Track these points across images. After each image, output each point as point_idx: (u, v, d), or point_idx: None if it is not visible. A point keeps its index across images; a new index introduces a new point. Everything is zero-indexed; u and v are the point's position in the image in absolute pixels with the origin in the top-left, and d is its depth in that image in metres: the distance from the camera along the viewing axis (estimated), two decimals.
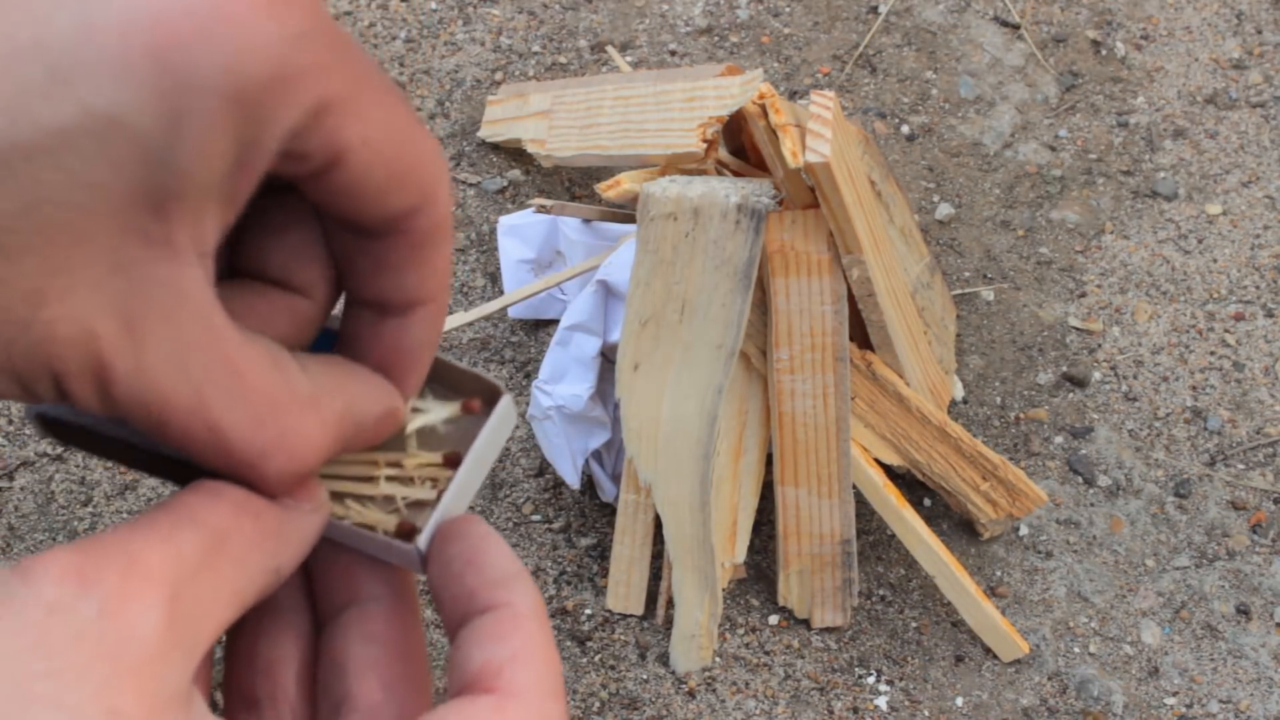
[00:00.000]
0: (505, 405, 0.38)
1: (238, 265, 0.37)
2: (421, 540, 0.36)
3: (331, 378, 0.35)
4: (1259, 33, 0.93)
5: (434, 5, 0.92)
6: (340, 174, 0.36)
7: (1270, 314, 0.83)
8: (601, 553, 0.74)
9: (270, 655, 0.36)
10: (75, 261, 0.31)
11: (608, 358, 0.70)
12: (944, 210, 0.86)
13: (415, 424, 0.38)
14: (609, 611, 0.72)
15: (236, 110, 0.31)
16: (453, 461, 0.38)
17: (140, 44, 0.29)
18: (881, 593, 0.74)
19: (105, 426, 0.36)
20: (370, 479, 0.38)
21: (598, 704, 0.70)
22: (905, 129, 0.89)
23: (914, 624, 0.73)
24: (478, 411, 0.40)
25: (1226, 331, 0.82)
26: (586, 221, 0.75)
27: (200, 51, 0.29)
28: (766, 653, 0.72)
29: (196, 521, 0.31)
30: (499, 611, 0.34)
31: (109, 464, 0.75)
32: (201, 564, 0.30)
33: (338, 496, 0.37)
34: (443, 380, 0.39)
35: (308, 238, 0.37)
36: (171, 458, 0.36)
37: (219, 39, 0.29)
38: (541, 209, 0.74)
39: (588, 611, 0.72)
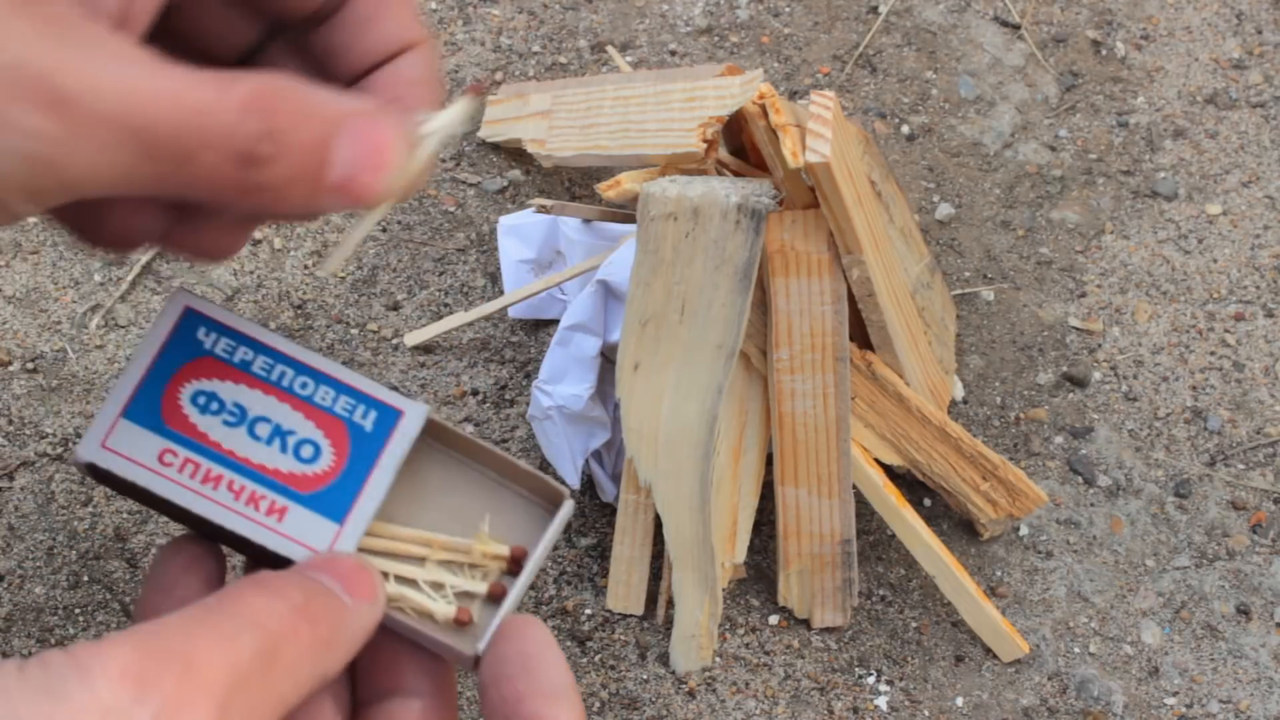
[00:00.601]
0: (567, 510, 0.38)
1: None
2: (482, 642, 0.36)
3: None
4: (1259, 33, 0.93)
5: (434, 5, 0.92)
6: None
7: (1270, 314, 0.83)
8: (601, 553, 0.74)
9: None
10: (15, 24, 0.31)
11: (608, 358, 0.70)
12: (944, 210, 0.86)
13: (486, 522, 0.39)
14: (609, 611, 0.72)
15: None
16: (519, 557, 0.38)
17: None
18: (881, 593, 0.74)
19: (150, 480, 0.37)
20: (419, 559, 0.39)
21: (598, 704, 0.70)
22: (905, 129, 0.89)
23: (914, 624, 0.73)
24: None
25: (1226, 331, 0.82)
26: (586, 221, 0.75)
27: None
28: (766, 653, 0.72)
29: (255, 625, 0.31)
30: None
31: None
32: (255, 672, 0.30)
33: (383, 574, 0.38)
34: (509, 477, 0.39)
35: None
36: (207, 520, 0.37)
37: None
38: (541, 209, 0.74)
39: (588, 611, 0.72)
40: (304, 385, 0.39)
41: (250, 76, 0.34)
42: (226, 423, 0.38)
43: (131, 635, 0.29)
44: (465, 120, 0.37)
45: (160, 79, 0.33)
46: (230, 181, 0.34)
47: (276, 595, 0.32)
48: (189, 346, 0.38)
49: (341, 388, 0.39)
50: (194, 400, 0.38)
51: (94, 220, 0.37)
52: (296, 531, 0.37)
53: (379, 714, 0.38)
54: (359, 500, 0.38)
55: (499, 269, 0.82)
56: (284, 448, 0.38)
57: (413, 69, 0.40)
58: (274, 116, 0.34)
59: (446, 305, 0.81)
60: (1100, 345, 0.82)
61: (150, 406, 0.37)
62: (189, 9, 0.40)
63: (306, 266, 0.82)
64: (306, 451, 0.38)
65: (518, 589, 0.38)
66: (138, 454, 0.37)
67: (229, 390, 0.38)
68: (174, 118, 0.33)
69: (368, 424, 0.39)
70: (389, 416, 0.39)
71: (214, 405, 0.38)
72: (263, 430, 0.38)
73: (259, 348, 0.39)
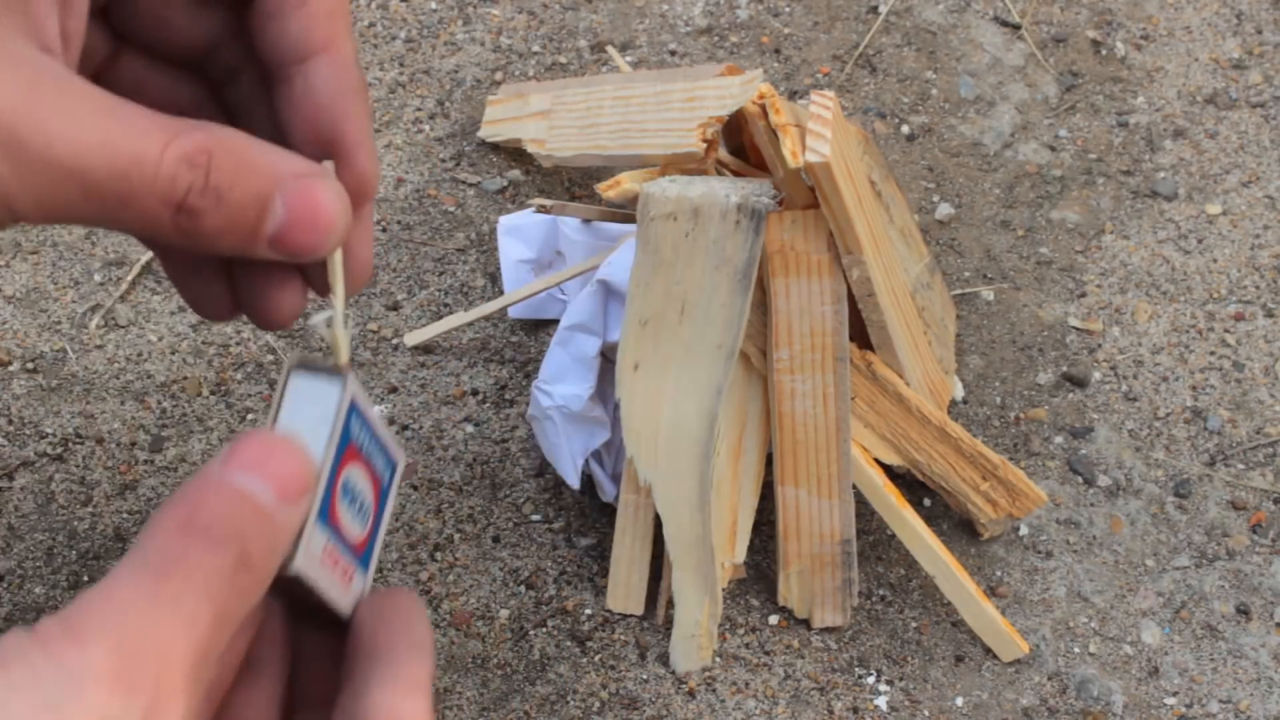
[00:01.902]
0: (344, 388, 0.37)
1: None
2: (296, 558, 0.35)
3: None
4: (1259, 33, 0.93)
5: (434, 5, 0.92)
6: None
7: (1270, 314, 0.83)
8: (601, 553, 0.74)
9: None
10: None
11: (608, 358, 0.70)
12: (944, 210, 0.86)
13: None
14: (609, 611, 0.72)
15: None
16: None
17: None
18: (881, 593, 0.74)
19: (328, 585, 0.37)
20: None
21: (598, 704, 0.70)
22: (905, 129, 0.89)
23: (914, 624, 0.73)
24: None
25: (1226, 331, 0.82)
26: (586, 221, 0.75)
27: None
28: (766, 653, 0.72)
29: (208, 595, 0.32)
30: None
31: (109, 464, 0.75)
32: (212, 641, 0.32)
33: None
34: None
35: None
36: (330, 605, 0.37)
37: None
38: (541, 209, 0.74)
39: (588, 611, 0.72)
40: (370, 450, 0.39)
41: (197, 130, 0.37)
42: (347, 504, 0.38)
43: (109, 622, 0.30)
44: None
45: (107, 128, 0.36)
46: (166, 226, 0.37)
47: (217, 547, 0.32)
48: (345, 435, 0.38)
49: (381, 447, 0.40)
50: (346, 493, 0.38)
51: (192, 296, 0.43)
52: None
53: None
54: (375, 548, 0.39)
55: (499, 269, 0.82)
56: (360, 517, 0.39)
57: (338, 77, 0.42)
58: (213, 172, 0.37)
59: (446, 305, 0.81)
60: (1100, 345, 0.82)
61: (324, 505, 0.37)
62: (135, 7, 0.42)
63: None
64: (366, 516, 0.39)
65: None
66: (320, 559, 0.37)
67: (354, 473, 0.38)
68: (114, 167, 0.36)
69: (384, 478, 0.40)
70: (391, 467, 0.40)
71: (347, 493, 0.38)
72: (356, 505, 0.38)
73: (364, 423, 0.39)
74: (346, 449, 0.37)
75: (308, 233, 0.40)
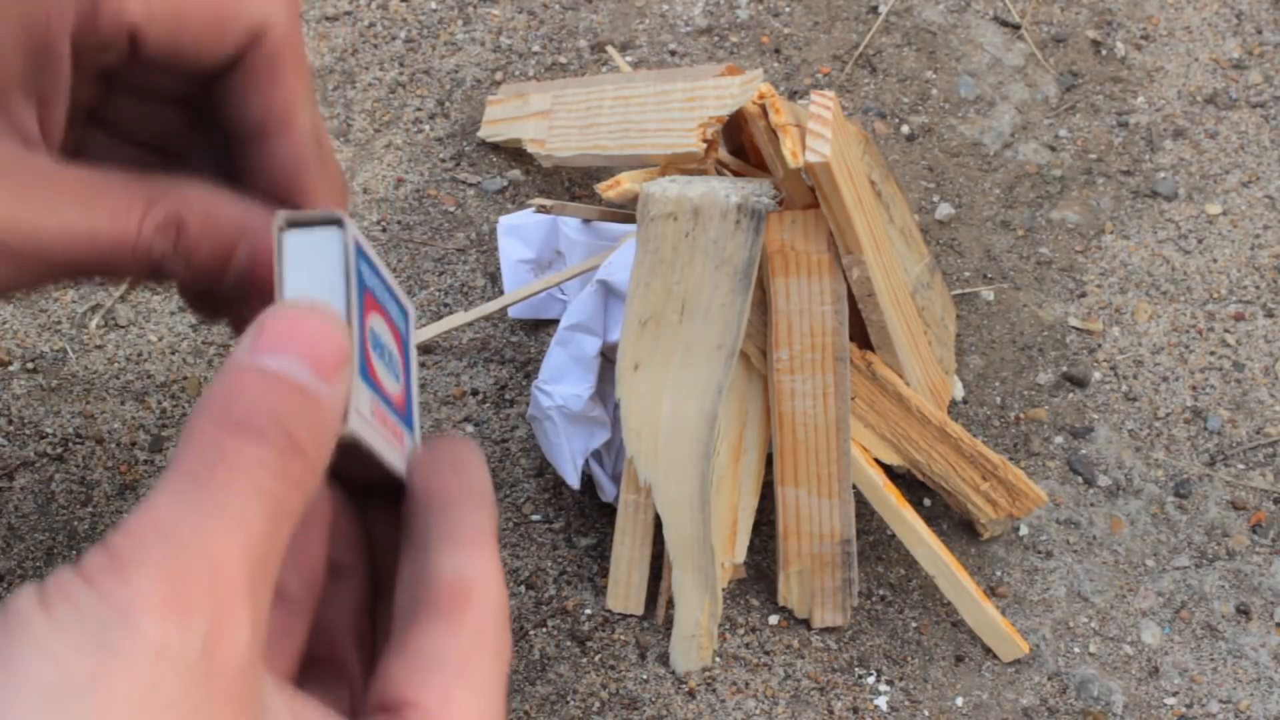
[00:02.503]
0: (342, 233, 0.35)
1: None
2: (349, 420, 0.32)
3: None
4: (1259, 33, 0.93)
5: (434, 5, 0.92)
6: (148, 49, 0.42)
7: (1270, 314, 0.83)
8: (601, 553, 0.74)
9: (331, 618, 0.35)
10: None
11: (608, 358, 0.70)
12: (944, 210, 0.86)
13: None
14: (609, 611, 0.72)
15: (24, 19, 0.38)
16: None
17: None
18: (881, 593, 0.74)
19: (383, 448, 0.34)
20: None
21: (598, 704, 0.70)
22: (905, 129, 0.89)
23: (914, 624, 0.73)
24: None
25: (1226, 331, 0.82)
26: (586, 221, 0.75)
27: None
28: (766, 653, 0.72)
29: (258, 491, 0.30)
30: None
31: (109, 464, 0.75)
32: (268, 543, 0.30)
33: None
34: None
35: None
36: (390, 471, 0.34)
37: None
38: (541, 209, 0.74)
39: (588, 611, 0.72)
40: (384, 298, 0.37)
41: (167, 195, 0.41)
42: (379, 358, 0.35)
43: (150, 543, 0.28)
44: None
45: (89, 215, 0.40)
46: (142, 276, 0.41)
47: (259, 437, 0.30)
48: (360, 284, 0.35)
49: (392, 294, 0.37)
50: (375, 346, 0.35)
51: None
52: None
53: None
54: (414, 402, 0.36)
55: (499, 269, 0.82)
56: (392, 371, 0.36)
57: (293, 154, 0.45)
58: (181, 239, 0.42)
59: (446, 305, 0.81)
60: (1100, 345, 0.82)
61: (361, 361, 0.34)
62: (110, 108, 0.46)
63: None
64: (396, 369, 0.36)
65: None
66: (370, 419, 0.34)
67: (376, 323, 0.36)
68: (100, 251, 0.40)
69: (401, 328, 0.38)
70: (404, 315, 0.38)
71: (376, 345, 0.35)
72: (386, 357, 0.36)
73: (373, 268, 0.36)
74: (364, 298, 0.35)
75: (267, 269, 0.41)
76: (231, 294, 0.43)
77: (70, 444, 0.76)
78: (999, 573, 0.75)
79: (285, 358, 0.31)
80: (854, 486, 0.70)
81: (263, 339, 0.32)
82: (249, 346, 0.32)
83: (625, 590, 0.72)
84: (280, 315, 0.32)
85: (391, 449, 0.34)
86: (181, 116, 0.48)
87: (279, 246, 0.35)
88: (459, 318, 0.78)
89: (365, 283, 0.35)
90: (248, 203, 0.43)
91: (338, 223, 0.35)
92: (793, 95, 0.89)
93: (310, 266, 0.35)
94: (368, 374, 0.34)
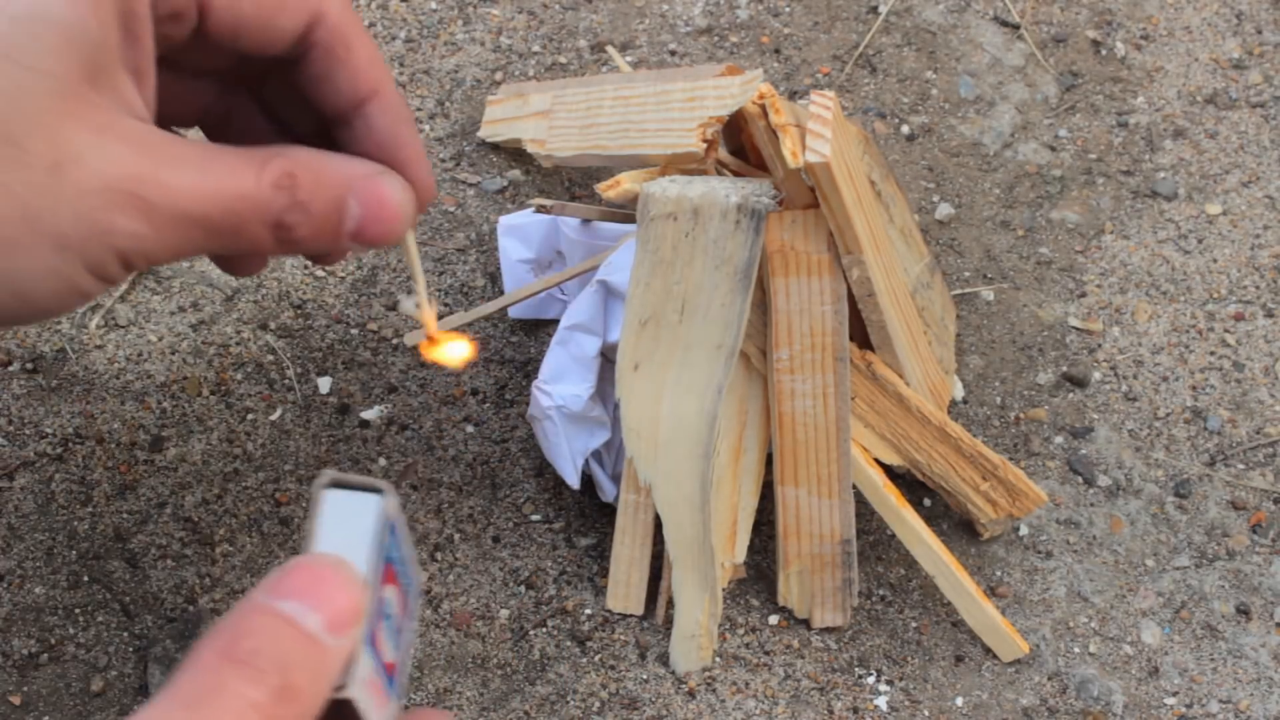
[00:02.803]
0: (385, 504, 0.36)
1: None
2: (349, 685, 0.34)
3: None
4: (1259, 33, 0.93)
5: (434, 5, 0.92)
6: (214, 18, 0.46)
7: (1270, 314, 0.83)
8: (601, 553, 0.74)
9: None
10: (67, 135, 0.41)
11: (608, 358, 0.70)
12: (944, 210, 0.86)
13: None
14: (609, 611, 0.72)
15: None
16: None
17: None
18: (881, 593, 0.74)
19: (371, 712, 0.35)
20: None
21: (598, 704, 0.70)
22: (905, 129, 0.89)
23: (914, 624, 0.73)
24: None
25: (1226, 331, 0.82)
26: (586, 222, 0.75)
27: None
28: (766, 653, 0.72)
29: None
30: None
31: (109, 464, 0.75)
32: None
33: None
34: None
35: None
36: None
37: None
38: (541, 209, 0.74)
39: (588, 611, 0.72)
40: (402, 571, 0.38)
41: (277, 155, 0.45)
42: (385, 627, 0.36)
43: None
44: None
45: (211, 175, 0.44)
46: (268, 242, 0.45)
47: (258, 677, 0.31)
48: (385, 554, 0.36)
49: (409, 565, 0.39)
50: (385, 616, 0.36)
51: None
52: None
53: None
54: (403, 669, 0.38)
55: (499, 269, 0.82)
56: (392, 640, 0.37)
57: (390, 113, 0.50)
58: (297, 190, 0.45)
59: (446, 305, 0.81)
60: (1100, 345, 0.82)
61: (369, 626, 0.35)
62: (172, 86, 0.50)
63: (306, 266, 0.82)
64: (396, 639, 0.37)
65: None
66: (367, 684, 0.35)
67: (390, 593, 0.37)
68: (225, 207, 0.44)
69: (410, 597, 0.39)
70: (412, 584, 0.39)
71: (386, 615, 0.37)
72: (390, 627, 0.37)
73: (397, 541, 0.37)
74: (385, 569, 0.36)
75: (380, 224, 0.48)
76: (349, 250, 0.48)
77: (70, 444, 0.76)
78: (999, 573, 0.75)
79: (302, 605, 0.33)
80: (854, 486, 0.70)
81: (284, 583, 0.33)
82: (268, 588, 0.33)
83: (625, 590, 0.72)
84: (305, 565, 0.34)
85: (377, 713, 0.36)
86: (220, 97, 0.52)
87: (319, 502, 0.36)
88: (459, 318, 0.78)
89: (390, 554, 0.36)
90: (350, 158, 0.47)
91: (378, 491, 0.36)
92: (793, 95, 0.89)
93: (345, 526, 0.36)
94: (372, 640, 0.35)
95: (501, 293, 0.81)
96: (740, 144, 0.72)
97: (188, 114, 0.52)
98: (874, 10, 0.93)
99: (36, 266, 0.41)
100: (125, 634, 0.71)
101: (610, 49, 0.90)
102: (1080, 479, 0.77)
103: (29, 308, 0.43)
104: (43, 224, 0.41)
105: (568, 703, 0.70)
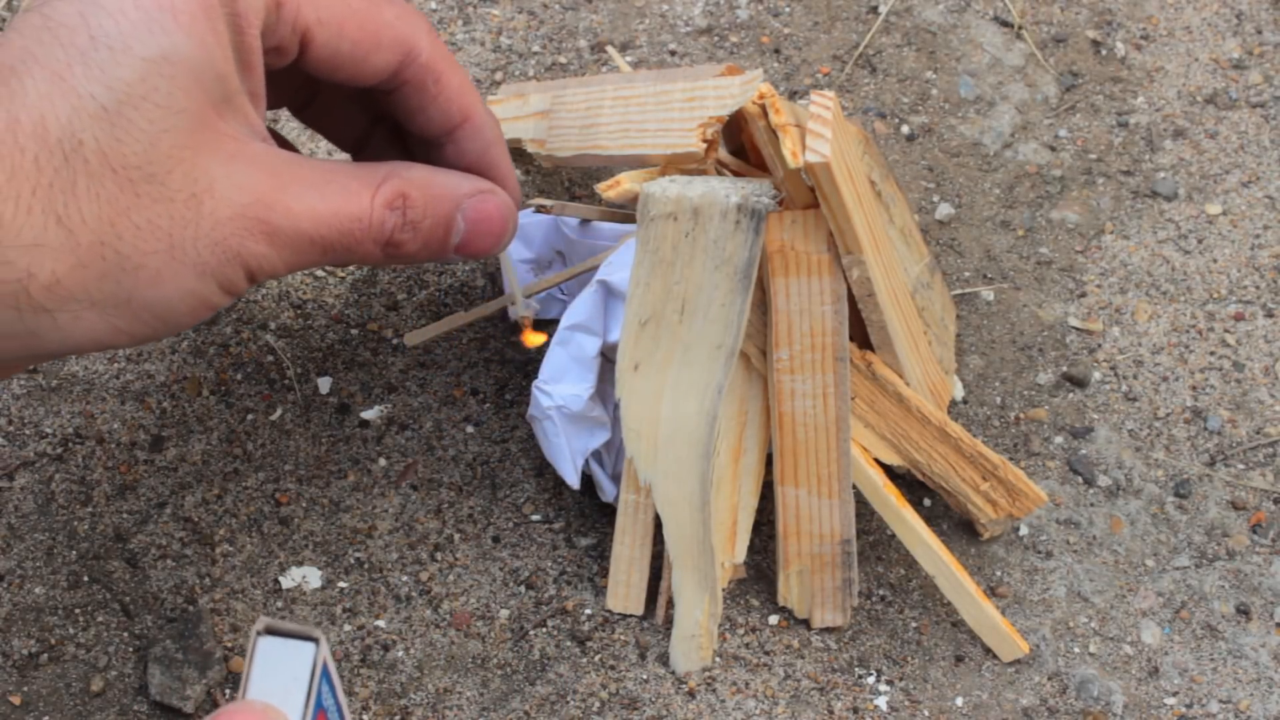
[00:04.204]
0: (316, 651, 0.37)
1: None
2: None
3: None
4: (1259, 33, 0.93)
5: (434, 5, 0.92)
6: (314, 51, 0.50)
7: (1270, 314, 0.83)
8: (601, 553, 0.74)
9: None
10: (202, 167, 0.45)
11: (608, 358, 0.70)
12: (944, 210, 0.86)
13: None
14: (609, 611, 0.72)
15: (230, 19, 0.46)
16: None
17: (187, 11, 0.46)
18: (881, 593, 0.74)
19: None
20: None
21: (598, 704, 0.70)
22: (905, 129, 0.89)
23: (914, 624, 0.73)
24: None
25: (1226, 331, 0.82)
26: (585, 222, 0.75)
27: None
28: (766, 653, 0.72)
29: None
30: None
31: (109, 464, 0.75)
32: None
33: None
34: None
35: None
36: None
37: None
38: (541, 209, 0.74)
39: (588, 611, 0.72)
40: (332, 715, 0.39)
41: (391, 176, 0.51)
42: None
43: None
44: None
45: (329, 198, 0.49)
46: (378, 258, 0.51)
47: None
48: (318, 702, 0.37)
49: (340, 711, 0.40)
50: None
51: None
52: None
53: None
54: None
55: (499, 269, 0.82)
56: None
57: (468, 148, 0.56)
58: (408, 210, 0.51)
59: (446, 305, 0.81)
60: (1100, 345, 0.82)
61: None
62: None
63: None
64: None
65: None
66: None
67: None
68: (341, 229, 0.49)
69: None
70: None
71: None
72: None
73: (331, 687, 0.38)
74: (318, 718, 0.37)
75: (484, 239, 0.54)
76: (452, 260, 0.54)
77: (70, 444, 0.76)
78: (999, 573, 0.75)
79: None
80: (854, 486, 0.70)
81: None
82: None
83: (625, 590, 0.72)
84: (237, 709, 0.36)
85: None
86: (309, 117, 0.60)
87: (254, 647, 0.37)
88: (459, 318, 0.78)
89: (322, 702, 0.38)
90: (459, 176, 0.53)
91: (314, 640, 0.37)
92: (793, 95, 0.89)
93: (278, 673, 0.37)
94: None
95: (501, 293, 0.81)
96: (740, 144, 0.72)
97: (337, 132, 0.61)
98: (874, 10, 0.93)
99: (180, 291, 0.46)
100: (125, 634, 0.71)
101: (610, 49, 0.90)
102: (1080, 479, 0.77)
103: (167, 327, 0.47)
104: (185, 254, 0.45)
105: (568, 703, 0.70)
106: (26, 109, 0.43)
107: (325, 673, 0.37)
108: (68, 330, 0.45)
